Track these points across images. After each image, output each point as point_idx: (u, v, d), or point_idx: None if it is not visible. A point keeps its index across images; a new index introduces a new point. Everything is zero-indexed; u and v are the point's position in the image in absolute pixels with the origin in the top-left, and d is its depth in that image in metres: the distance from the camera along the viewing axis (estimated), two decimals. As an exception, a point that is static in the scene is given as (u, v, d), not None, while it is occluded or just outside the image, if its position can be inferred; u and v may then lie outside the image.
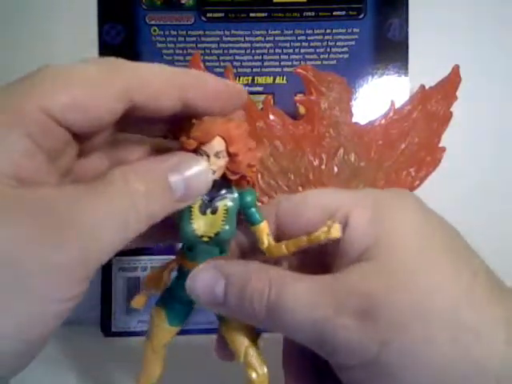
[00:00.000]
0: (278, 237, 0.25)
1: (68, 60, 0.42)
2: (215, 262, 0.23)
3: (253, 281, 0.22)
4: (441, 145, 0.39)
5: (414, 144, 0.38)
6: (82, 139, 0.22)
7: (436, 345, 0.19)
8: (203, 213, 0.23)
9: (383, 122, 0.38)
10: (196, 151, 0.22)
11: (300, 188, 0.36)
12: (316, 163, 0.37)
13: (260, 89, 0.41)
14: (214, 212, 0.23)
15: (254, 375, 0.24)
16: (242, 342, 0.24)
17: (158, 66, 0.22)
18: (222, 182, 0.23)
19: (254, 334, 0.25)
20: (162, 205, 0.21)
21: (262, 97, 0.39)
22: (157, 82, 0.21)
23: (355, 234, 0.22)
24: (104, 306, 0.41)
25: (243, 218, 0.24)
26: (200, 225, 0.23)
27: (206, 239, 0.23)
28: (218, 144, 0.22)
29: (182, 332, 0.27)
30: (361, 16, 0.41)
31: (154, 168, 0.21)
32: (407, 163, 0.38)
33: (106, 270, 0.41)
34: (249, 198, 0.24)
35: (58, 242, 0.18)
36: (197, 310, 0.26)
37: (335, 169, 0.37)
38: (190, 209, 0.23)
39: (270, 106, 0.38)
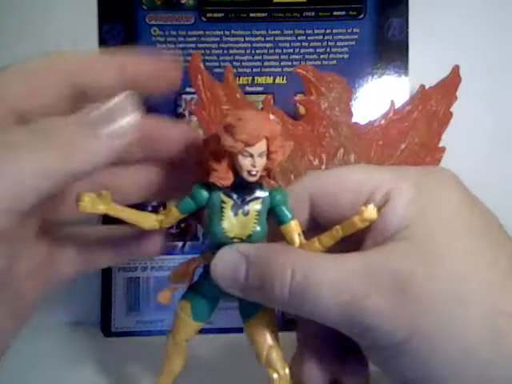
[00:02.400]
0: (311, 221, 0.24)
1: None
2: (238, 246, 0.23)
3: (274, 263, 0.21)
4: (441, 145, 0.39)
5: (414, 144, 0.38)
6: None
7: (468, 331, 0.19)
8: (235, 214, 0.23)
9: (383, 122, 0.38)
10: (239, 152, 0.22)
11: (300, 188, 0.36)
12: (316, 163, 0.37)
13: (260, 89, 0.41)
14: (245, 213, 0.23)
15: (275, 376, 0.24)
16: (264, 343, 0.24)
17: (99, 51, 0.23)
18: (253, 182, 0.23)
19: (277, 335, 0.25)
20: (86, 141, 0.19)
21: (262, 97, 0.39)
22: (95, 62, 0.22)
23: (394, 214, 0.21)
24: (104, 306, 0.41)
25: (273, 218, 0.24)
26: (232, 226, 0.23)
27: (236, 241, 0.23)
28: (262, 144, 0.22)
29: (203, 331, 0.27)
30: (361, 16, 0.41)
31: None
32: (407, 163, 0.38)
33: (106, 270, 0.41)
34: (279, 196, 0.23)
35: None
36: (218, 309, 0.26)
37: (335, 169, 0.37)
38: (221, 209, 0.23)
39: (270, 105, 0.38)
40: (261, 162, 0.22)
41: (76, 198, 0.22)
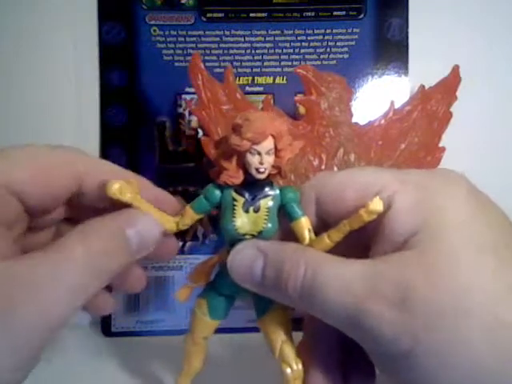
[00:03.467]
0: (318, 221, 0.24)
1: (68, 60, 0.42)
2: (254, 242, 0.23)
3: (288, 262, 0.22)
4: (441, 145, 0.39)
5: (413, 144, 0.38)
6: (34, 214, 0.24)
7: (472, 344, 0.19)
8: (246, 211, 0.23)
9: (383, 122, 0.38)
10: (247, 151, 0.22)
11: (300, 188, 0.36)
12: (316, 163, 0.37)
13: (260, 89, 0.41)
14: (256, 210, 0.23)
15: (288, 370, 0.24)
16: (277, 338, 0.25)
17: (109, 163, 0.25)
18: (264, 179, 0.23)
19: (290, 330, 0.25)
20: (120, 261, 0.22)
21: (262, 97, 0.39)
22: (103, 175, 0.24)
23: (398, 218, 0.21)
24: (104, 305, 0.41)
25: (283, 214, 0.24)
26: (243, 223, 0.23)
27: (248, 237, 0.24)
28: (269, 142, 0.22)
29: (221, 330, 0.27)
30: (361, 16, 0.41)
31: (111, 225, 0.23)
32: (407, 163, 0.38)
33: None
34: (290, 194, 0.24)
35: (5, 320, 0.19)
36: (235, 309, 0.26)
37: (335, 169, 0.37)
38: (233, 206, 0.23)
39: (270, 105, 0.38)
40: (269, 160, 0.23)
41: (104, 184, 0.23)
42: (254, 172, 0.23)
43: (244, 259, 0.23)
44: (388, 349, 0.20)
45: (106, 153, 0.40)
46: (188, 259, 0.40)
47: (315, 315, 0.22)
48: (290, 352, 0.24)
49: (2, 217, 0.22)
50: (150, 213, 0.24)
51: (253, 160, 0.22)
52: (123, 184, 0.23)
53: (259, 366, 0.25)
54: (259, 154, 0.22)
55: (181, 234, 0.40)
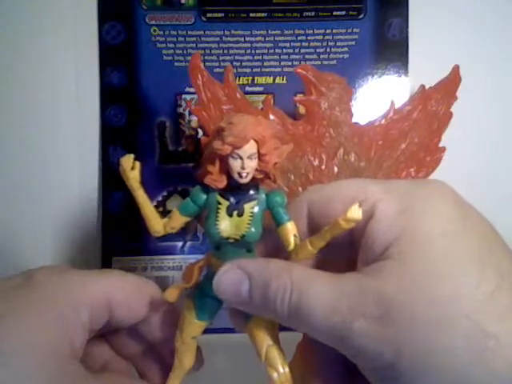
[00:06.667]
0: (311, 234, 0.24)
1: (68, 60, 0.42)
2: (239, 262, 0.23)
3: (274, 283, 0.22)
4: (441, 145, 0.39)
5: (413, 144, 0.38)
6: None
7: (455, 353, 0.19)
8: (230, 215, 0.23)
9: (383, 122, 0.38)
10: (229, 155, 0.22)
11: (300, 188, 0.36)
12: (316, 163, 0.37)
13: (260, 89, 0.41)
14: (240, 214, 0.23)
15: (275, 375, 0.24)
16: (264, 342, 0.24)
17: (131, 278, 0.28)
18: (249, 183, 0.23)
19: (277, 334, 0.25)
20: None
21: (262, 97, 0.39)
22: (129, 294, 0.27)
23: (379, 227, 0.21)
24: (104, 305, 0.41)
25: (271, 218, 0.24)
26: (226, 226, 0.23)
27: (231, 241, 0.23)
28: (251, 147, 0.22)
29: (216, 330, 0.27)
30: (361, 16, 0.41)
31: None
32: (407, 163, 0.38)
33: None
34: (277, 198, 0.24)
35: None
36: (224, 309, 0.26)
37: (335, 169, 0.37)
38: (216, 210, 0.23)
39: (270, 105, 0.38)
40: (251, 164, 0.22)
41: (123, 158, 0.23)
42: (236, 176, 0.23)
43: (229, 281, 0.23)
44: (373, 362, 0.20)
45: (106, 153, 0.40)
46: (188, 259, 0.40)
47: (306, 333, 0.22)
48: (276, 356, 0.24)
49: (93, 326, 0.25)
50: None
51: (235, 164, 0.22)
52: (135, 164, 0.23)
53: (254, 365, 0.25)
54: (241, 158, 0.22)
55: (181, 234, 0.40)
